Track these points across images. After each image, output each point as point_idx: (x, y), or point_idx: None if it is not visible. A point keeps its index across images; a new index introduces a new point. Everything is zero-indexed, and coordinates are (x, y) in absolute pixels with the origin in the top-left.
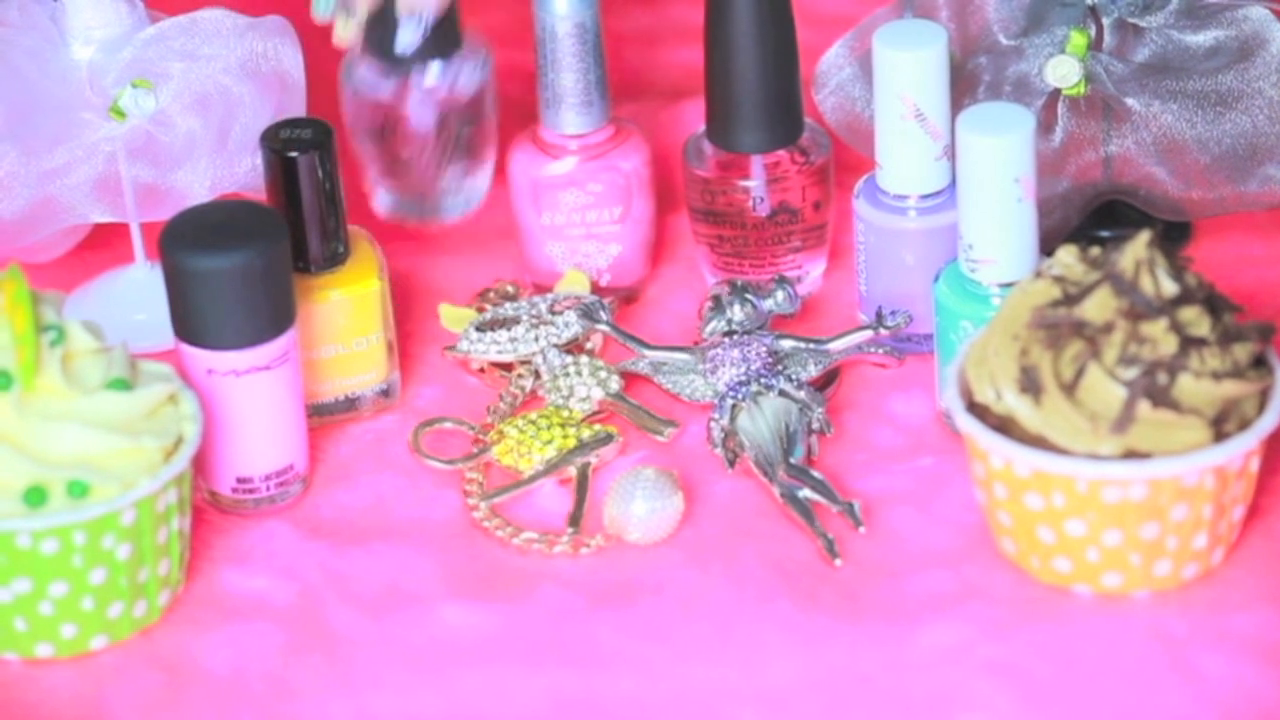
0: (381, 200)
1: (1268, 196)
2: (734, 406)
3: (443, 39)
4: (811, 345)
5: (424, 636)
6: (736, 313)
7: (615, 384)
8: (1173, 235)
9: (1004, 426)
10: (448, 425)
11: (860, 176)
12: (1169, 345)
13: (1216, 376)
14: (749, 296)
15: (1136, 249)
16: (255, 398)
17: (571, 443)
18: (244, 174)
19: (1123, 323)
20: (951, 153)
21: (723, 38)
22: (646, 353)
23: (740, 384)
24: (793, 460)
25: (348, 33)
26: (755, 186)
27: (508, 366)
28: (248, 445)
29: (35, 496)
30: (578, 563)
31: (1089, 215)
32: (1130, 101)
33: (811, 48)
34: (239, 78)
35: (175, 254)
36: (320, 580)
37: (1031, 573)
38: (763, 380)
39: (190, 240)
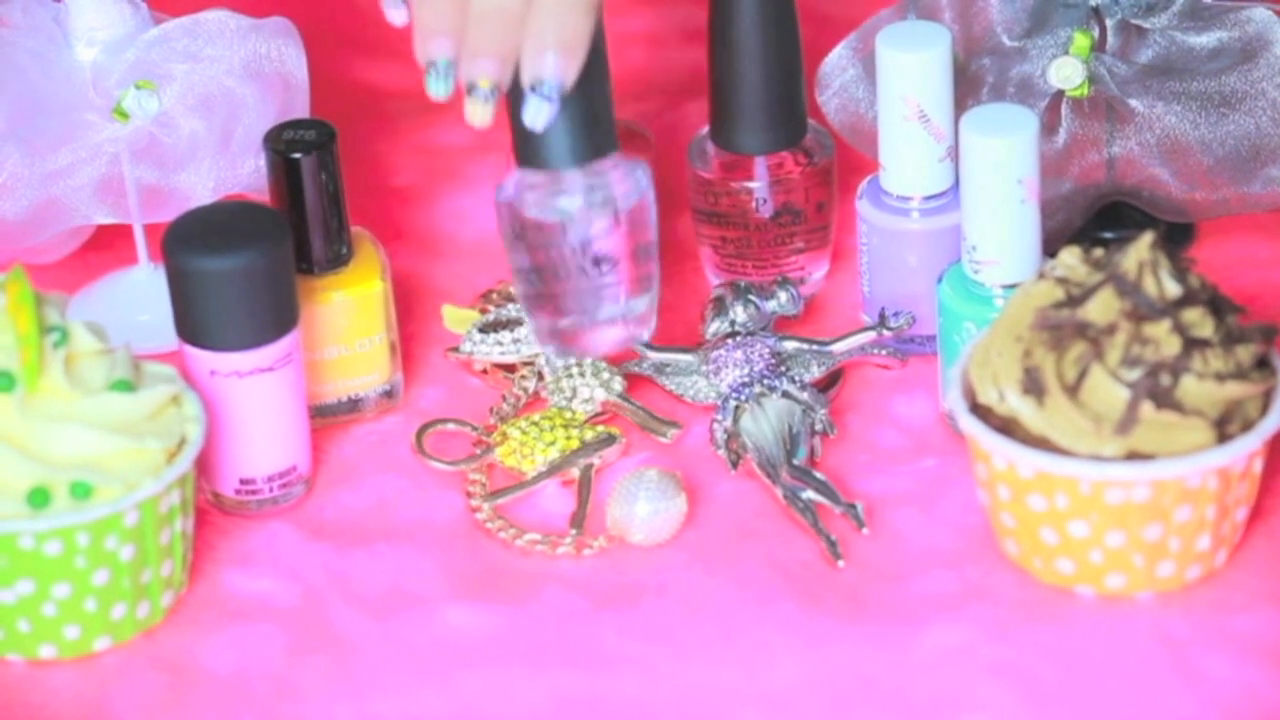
0: (538, 335)
1: (1270, 198)
2: (737, 408)
3: (589, 136)
4: (814, 346)
5: (427, 638)
6: (739, 314)
7: (618, 385)
8: (1176, 237)
9: (1007, 428)
10: (450, 426)
11: (863, 178)
12: (1172, 347)
13: (1220, 378)
14: (752, 297)
15: (1139, 250)
16: (258, 399)
17: (574, 444)
18: (247, 175)
19: (1126, 324)
20: (955, 154)
21: (727, 39)
22: (649, 354)
23: (743, 385)
24: (795, 461)
25: (481, 114)
26: (758, 188)
27: (510, 368)
28: (251, 446)
29: (38, 498)
30: (581, 564)
31: (1092, 216)
32: (1133, 103)
33: (815, 49)
34: (242, 79)
35: (178, 255)
36: (323, 581)
37: (1034, 574)
38: (766, 381)
39: (193, 241)
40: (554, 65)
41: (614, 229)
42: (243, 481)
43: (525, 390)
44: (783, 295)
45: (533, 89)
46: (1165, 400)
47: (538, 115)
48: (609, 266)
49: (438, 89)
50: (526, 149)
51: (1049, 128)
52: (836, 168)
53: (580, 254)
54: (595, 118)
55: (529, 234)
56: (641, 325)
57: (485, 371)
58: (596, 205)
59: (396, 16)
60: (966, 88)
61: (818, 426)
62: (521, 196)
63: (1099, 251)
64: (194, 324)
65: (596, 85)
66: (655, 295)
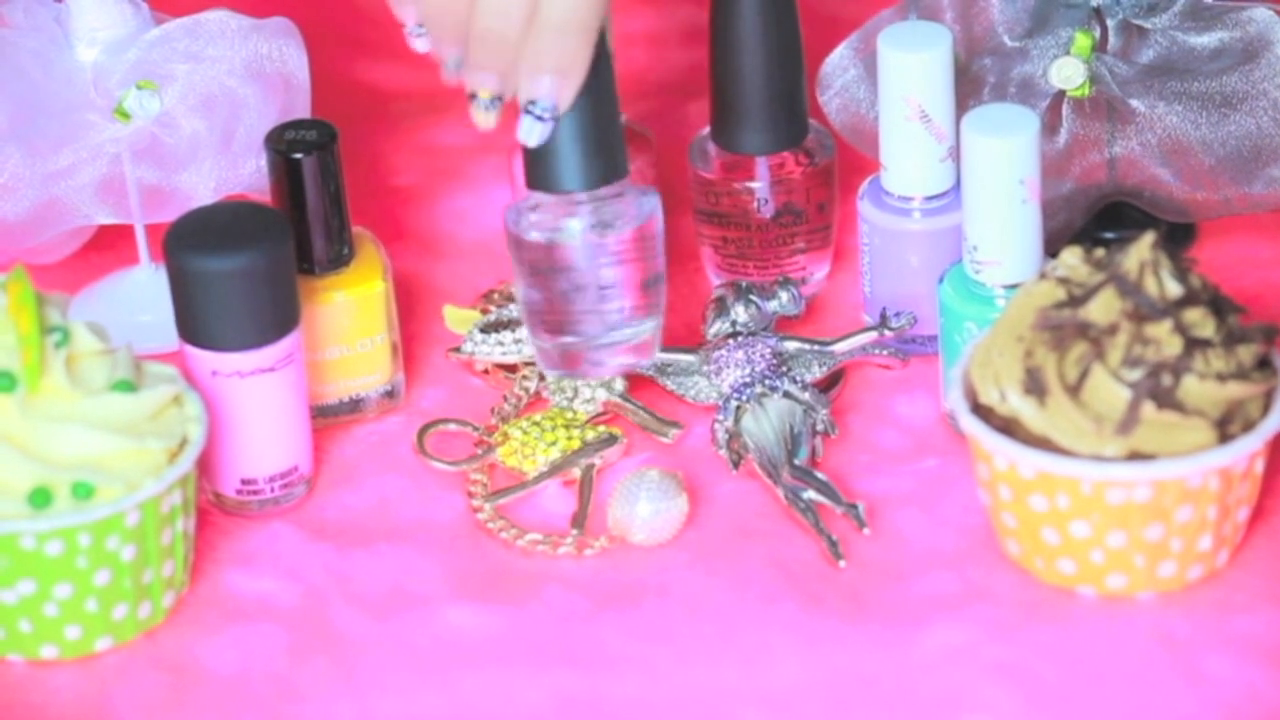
0: (541, 357)
1: (1272, 198)
2: (738, 408)
3: (599, 161)
4: (816, 347)
5: (428, 638)
6: (741, 314)
7: (619, 385)
8: (1177, 237)
9: (1008, 428)
10: (452, 427)
11: (865, 178)
12: (1173, 347)
13: (1221, 378)
14: (753, 298)
15: (1141, 250)
16: (260, 399)
17: (576, 444)
18: (249, 175)
19: (1127, 324)
20: (956, 154)
21: (728, 39)
22: None
23: (744, 385)
24: (797, 462)
25: (484, 119)
26: (759, 188)
27: (512, 368)
28: (252, 447)
29: (40, 498)
30: (582, 564)
31: (1093, 217)
32: (1135, 103)
33: (816, 49)
34: (244, 79)
35: (180, 255)
36: (325, 582)
37: (1036, 574)
38: (767, 382)
39: (195, 242)
40: (549, 87)
41: (622, 254)
42: (244, 481)
43: (526, 390)
44: (784, 295)
45: (527, 109)
46: (1166, 400)
47: (530, 133)
48: (616, 291)
49: (447, 78)
50: (537, 172)
51: (1050, 128)
52: (838, 168)
53: (587, 278)
54: (605, 143)
55: (537, 256)
56: (646, 350)
57: (486, 372)
58: (604, 230)
59: (420, 45)
60: (968, 88)
61: (819, 426)
62: (530, 219)
63: (1100, 252)
64: (195, 324)
65: (607, 111)
66: (660, 320)
